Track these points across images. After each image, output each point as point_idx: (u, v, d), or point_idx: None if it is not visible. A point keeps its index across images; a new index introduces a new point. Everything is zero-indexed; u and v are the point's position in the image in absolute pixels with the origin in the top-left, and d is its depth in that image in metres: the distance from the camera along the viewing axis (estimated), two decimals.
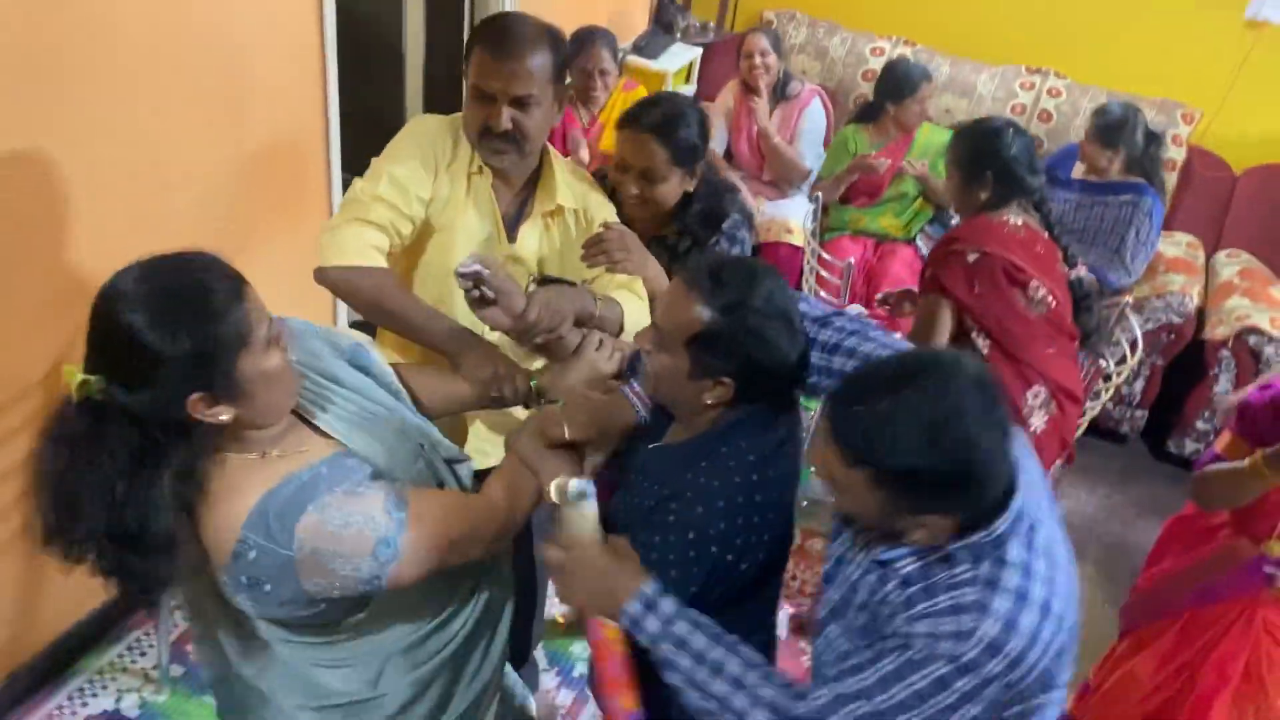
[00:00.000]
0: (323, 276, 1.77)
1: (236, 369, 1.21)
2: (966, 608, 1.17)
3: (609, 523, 1.42)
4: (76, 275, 2.10)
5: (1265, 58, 3.90)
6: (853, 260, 3.09)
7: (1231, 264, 3.83)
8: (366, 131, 2.55)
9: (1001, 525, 1.20)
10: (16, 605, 2.30)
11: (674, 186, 2.06)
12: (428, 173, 1.87)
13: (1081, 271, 2.65)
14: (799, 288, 3.68)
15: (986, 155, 2.54)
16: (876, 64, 4.28)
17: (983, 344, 2.47)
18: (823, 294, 3.28)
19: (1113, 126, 3.44)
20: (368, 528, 1.26)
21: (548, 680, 2.64)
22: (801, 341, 1.43)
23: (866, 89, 4.30)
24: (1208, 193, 4.01)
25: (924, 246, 3.85)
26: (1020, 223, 2.52)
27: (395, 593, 1.34)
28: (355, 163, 2.66)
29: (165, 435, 1.19)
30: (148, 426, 1.19)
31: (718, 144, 3.97)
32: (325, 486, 1.27)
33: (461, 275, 1.62)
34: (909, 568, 1.24)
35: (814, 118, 3.86)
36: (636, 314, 1.92)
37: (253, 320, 1.22)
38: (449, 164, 1.90)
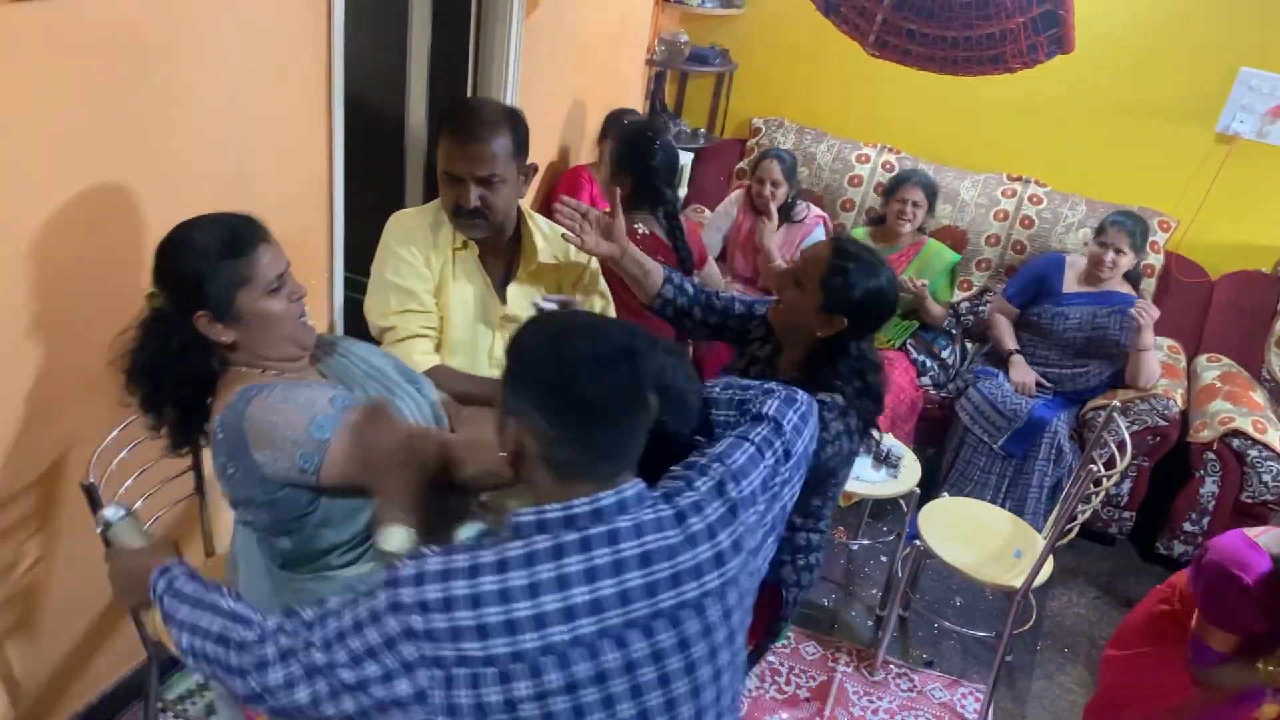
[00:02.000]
0: None
1: (234, 300, 1.54)
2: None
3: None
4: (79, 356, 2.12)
5: (1236, 169, 4.05)
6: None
7: (1212, 368, 3.91)
8: (367, 222, 2.60)
9: (582, 504, 1.19)
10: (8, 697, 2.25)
11: None
12: (419, 263, 2.08)
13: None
14: None
15: (634, 158, 2.89)
16: (862, 170, 4.41)
17: None
18: None
19: (1136, 222, 3.61)
20: (309, 408, 1.50)
21: None
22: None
23: (854, 194, 4.43)
24: (1186, 298, 4.12)
25: (913, 351, 3.93)
26: (647, 231, 2.88)
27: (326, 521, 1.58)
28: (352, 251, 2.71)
29: (197, 339, 1.56)
30: (188, 331, 1.55)
31: (712, 249, 4.09)
32: (285, 386, 1.55)
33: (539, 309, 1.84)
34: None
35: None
36: None
37: (261, 267, 1.56)
38: (434, 246, 2.09)
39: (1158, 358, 3.60)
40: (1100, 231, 3.67)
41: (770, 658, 3.08)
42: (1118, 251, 3.60)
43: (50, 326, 2.03)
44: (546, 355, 1.22)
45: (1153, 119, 4.12)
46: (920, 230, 3.97)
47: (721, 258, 4.16)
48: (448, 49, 3.47)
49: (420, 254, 2.10)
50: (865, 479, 3.19)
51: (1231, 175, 4.06)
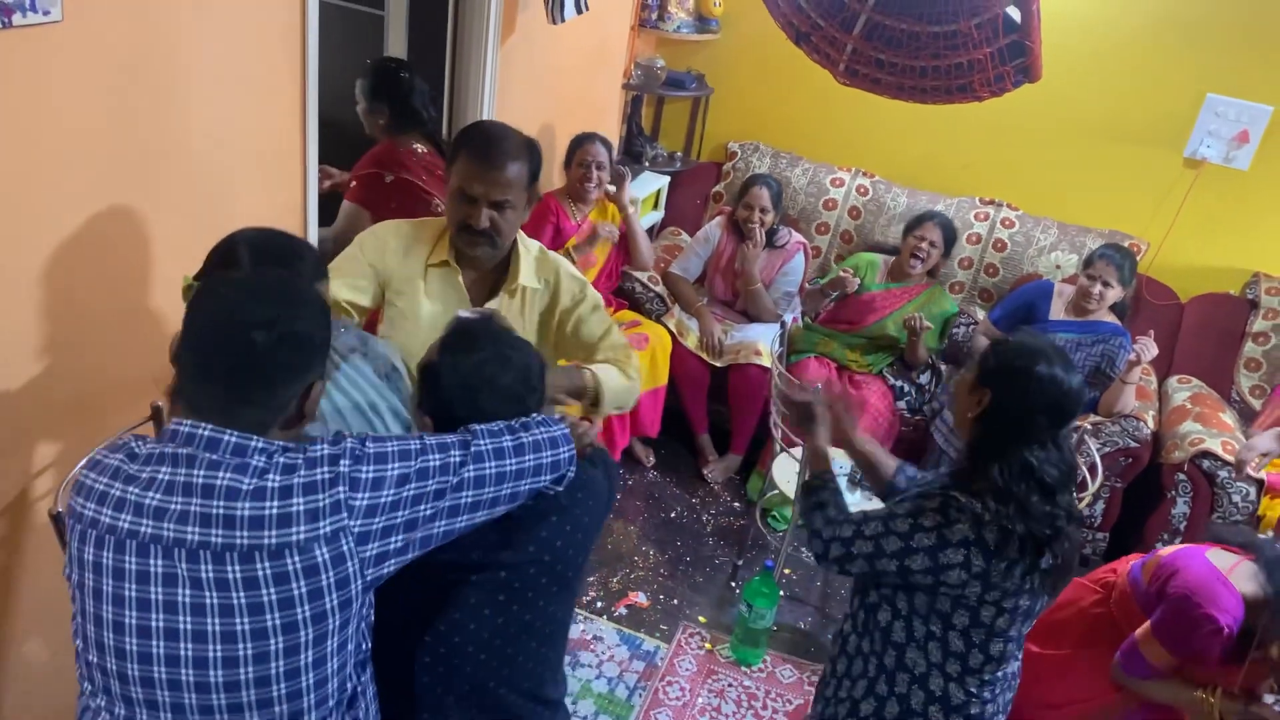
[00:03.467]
0: None
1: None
2: None
3: None
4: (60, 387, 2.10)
5: (1204, 193, 4.11)
6: (819, 386, 3.17)
7: (1183, 389, 3.95)
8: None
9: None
10: None
11: None
12: (365, 274, 2.16)
13: None
14: (766, 411, 3.73)
15: (385, 85, 3.10)
16: (837, 193, 4.45)
17: None
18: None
19: (1125, 256, 3.64)
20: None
21: None
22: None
23: (828, 217, 4.47)
24: (1157, 320, 4.16)
25: (890, 378, 3.96)
26: (424, 150, 3.07)
27: None
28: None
29: None
30: None
31: (692, 272, 4.13)
32: None
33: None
34: None
35: (795, 269, 4.10)
36: (618, 388, 2.14)
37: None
38: (402, 257, 2.17)
39: (1130, 393, 3.63)
40: (1089, 264, 3.68)
41: (746, 682, 3.08)
42: (1105, 284, 3.63)
43: (16, 353, 2.02)
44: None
45: (1122, 144, 4.18)
46: (931, 274, 4.01)
47: (700, 281, 4.19)
48: (423, 69, 3.48)
49: (374, 262, 2.17)
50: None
51: (1199, 199, 4.12)
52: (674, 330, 4.00)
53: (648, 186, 4.47)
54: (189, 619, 1.27)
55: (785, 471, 3.38)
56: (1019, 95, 2.88)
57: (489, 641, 1.65)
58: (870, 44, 2.34)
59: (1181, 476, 3.55)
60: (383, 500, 1.33)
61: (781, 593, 3.35)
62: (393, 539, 1.35)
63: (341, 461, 1.32)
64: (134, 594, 1.28)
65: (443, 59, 3.38)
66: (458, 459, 1.42)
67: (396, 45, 3.45)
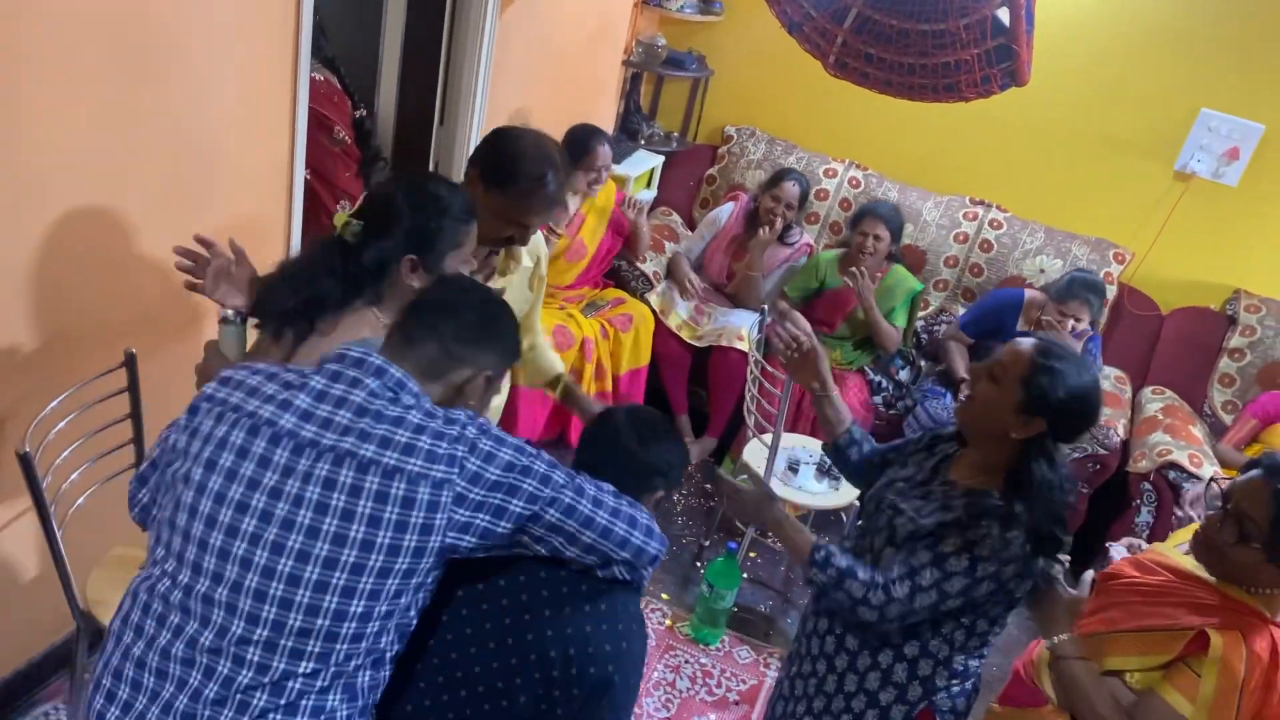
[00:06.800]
0: None
1: (444, 259, 1.78)
2: None
3: None
4: (43, 331, 2.12)
5: (1192, 207, 4.13)
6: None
7: (1156, 400, 4.00)
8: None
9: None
10: None
11: None
12: None
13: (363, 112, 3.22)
14: (743, 396, 3.77)
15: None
16: (829, 184, 4.47)
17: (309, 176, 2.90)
18: (763, 404, 3.37)
19: (1099, 296, 3.68)
20: None
21: None
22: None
23: (819, 207, 4.49)
24: (1136, 330, 4.20)
25: (870, 373, 4.00)
26: (322, 78, 2.98)
27: None
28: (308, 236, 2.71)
29: (366, 276, 1.74)
30: (361, 267, 1.74)
31: (692, 254, 4.19)
32: None
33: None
34: None
35: (796, 270, 4.17)
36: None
37: (470, 238, 1.83)
38: None
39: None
40: (1062, 300, 3.67)
41: (703, 659, 3.13)
42: (1077, 320, 3.66)
43: None
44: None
45: (1114, 153, 4.19)
46: (890, 257, 4.03)
47: (696, 266, 4.25)
48: (422, 33, 3.48)
49: None
50: (808, 490, 3.29)
51: (1186, 213, 4.14)
52: (657, 308, 4.03)
53: (642, 165, 4.48)
54: (285, 506, 1.37)
55: (756, 457, 3.41)
56: (1012, 99, 2.91)
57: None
58: (860, 38, 2.35)
59: (1147, 486, 3.59)
60: (488, 475, 1.41)
61: (745, 575, 3.40)
62: (480, 516, 1.42)
63: (469, 428, 1.43)
64: (248, 473, 1.39)
65: (441, 16, 3.38)
66: (561, 479, 1.48)
67: (395, 7, 3.45)
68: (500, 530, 1.44)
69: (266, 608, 1.35)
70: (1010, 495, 1.82)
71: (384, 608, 1.39)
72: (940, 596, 1.81)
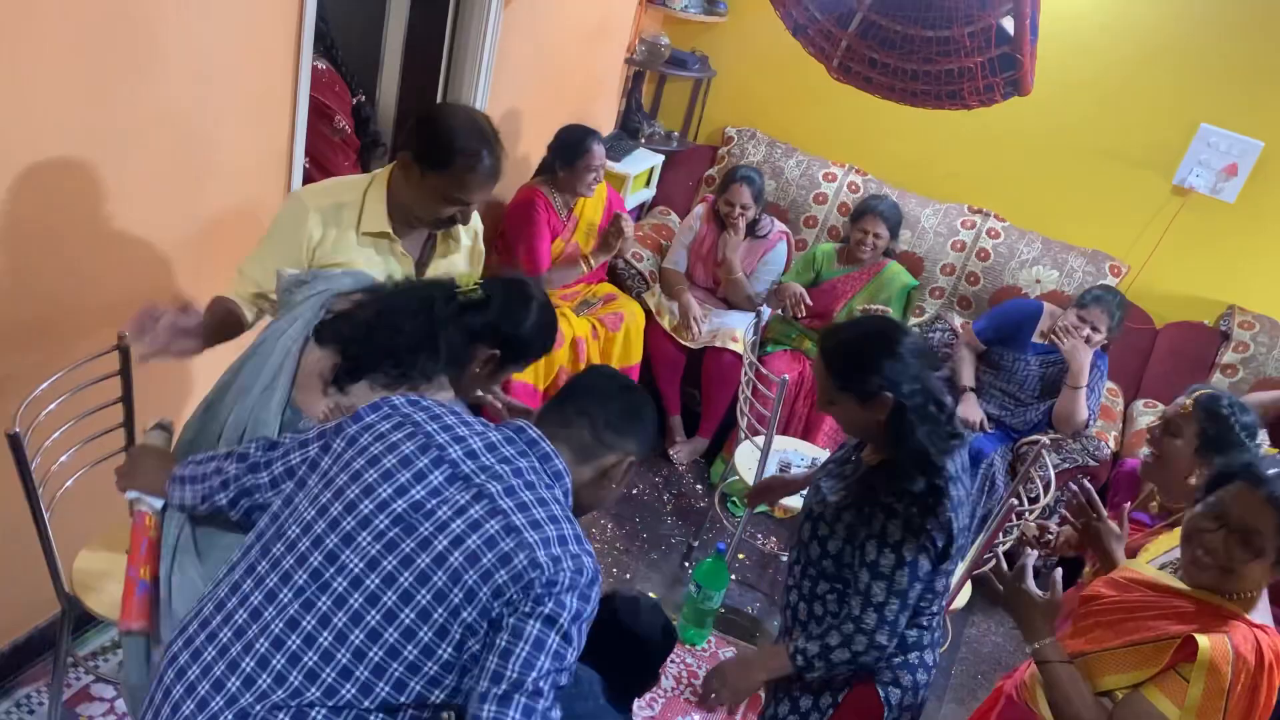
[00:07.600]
0: None
1: (512, 369, 1.94)
2: None
3: None
4: (37, 312, 2.10)
5: (1189, 221, 4.14)
6: (787, 377, 3.21)
7: (1148, 414, 4.00)
8: None
9: None
10: None
11: None
12: (297, 250, 2.11)
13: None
14: (737, 397, 3.77)
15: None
16: (828, 188, 4.47)
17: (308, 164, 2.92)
18: (756, 406, 3.36)
19: (1120, 306, 3.68)
20: None
21: None
22: None
23: (817, 211, 4.49)
24: (1130, 343, 4.21)
25: None
26: (324, 67, 3.02)
27: None
28: None
29: (452, 347, 1.81)
30: (444, 336, 1.79)
31: (679, 264, 4.17)
32: None
33: None
34: None
35: (777, 258, 4.15)
36: None
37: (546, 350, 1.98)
38: (337, 224, 2.13)
39: (1084, 399, 3.66)
40: (1083, 305, 3.68)
41: (689, 659, 3.13)
42: (1094, 329, 3.65)
43: None
44: None
45: (1113, 165, 4.20)
46: (887, 253, 4.03)
47: (686, 272, 4.23)
48: (425, 23, 3.47)
49: (299, 240, 2.12)
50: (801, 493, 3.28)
51: (1183, 227, 4.15)
52: (652, 309, 4.02)
53: (641, 163, 4.47)
54: (402, 501, 1.46)
55: (747, 459, 3.41)
56: (1014, 109, 2.91)
57: None
58: (864, 42, 2.35)
59: None
60: (546, 601, 1.42)
61: (732, 577, 3.39)
62: (495, 604, 1.43)
63: (566, 562, 1.44)
64: (389, 463, 1.49)
65: (445, 10, 3.37)
66: (573, 648, 1.48)
67: None
68: (505, 647, 1.43)
69: (330, 623, 1.44)
70: (884, 470, 1.93)
71: (413, 651, 1.43)
72: (900, 596, 1.90)
